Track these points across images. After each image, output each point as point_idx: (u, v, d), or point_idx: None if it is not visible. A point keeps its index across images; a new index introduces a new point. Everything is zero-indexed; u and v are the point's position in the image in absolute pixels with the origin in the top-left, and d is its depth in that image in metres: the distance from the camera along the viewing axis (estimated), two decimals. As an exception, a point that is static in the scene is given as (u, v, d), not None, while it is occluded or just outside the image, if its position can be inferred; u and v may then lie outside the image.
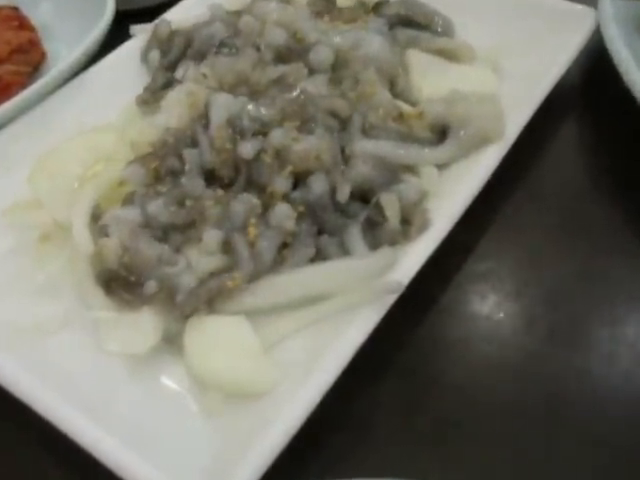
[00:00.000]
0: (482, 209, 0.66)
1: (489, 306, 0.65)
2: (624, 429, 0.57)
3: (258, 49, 0.78)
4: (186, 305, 0.58)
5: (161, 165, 0.66)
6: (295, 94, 0.70)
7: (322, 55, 0.75)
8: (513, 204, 0.73)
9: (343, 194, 0.64)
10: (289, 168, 0.64)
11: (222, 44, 0.81)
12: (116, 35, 0.88)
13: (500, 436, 0.57)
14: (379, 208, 0.64)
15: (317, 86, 0.72)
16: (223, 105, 0.68)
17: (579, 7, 0.82)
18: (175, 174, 0.66)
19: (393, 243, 0.62)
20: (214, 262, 0.61)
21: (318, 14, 0.86)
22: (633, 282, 0.66)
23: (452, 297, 0.66)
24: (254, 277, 0.60)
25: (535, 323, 0.64)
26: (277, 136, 0.65)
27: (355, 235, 0.63)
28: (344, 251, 0.63)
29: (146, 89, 0.79)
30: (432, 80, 0.77)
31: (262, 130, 0.67)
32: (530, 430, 0.57)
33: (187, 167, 0.65)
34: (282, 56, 0.77)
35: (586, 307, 0.65)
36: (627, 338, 0.63)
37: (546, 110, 0.73)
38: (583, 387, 0.60)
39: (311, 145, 0.64)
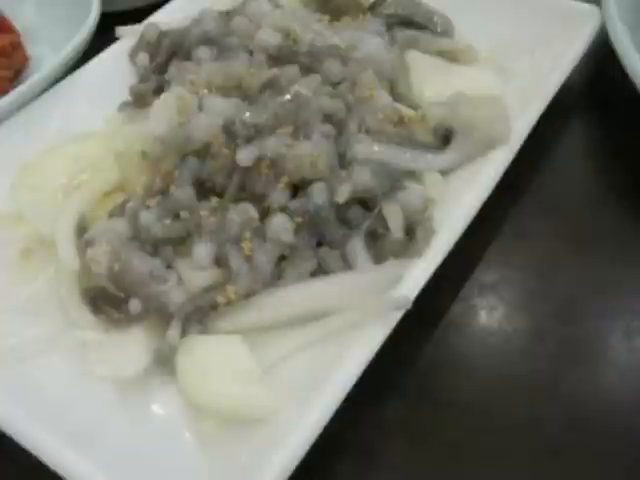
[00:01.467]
0: (488, 216, 0.63)
1: (497, 320, 0.63)
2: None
3: (250, 52, 0.75)
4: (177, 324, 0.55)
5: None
6: (287, 97, 0.66)
7: (331, 70, 0.71)
8: (521, 210, 0.71)
9: (342, 196, 0.60)
10: (285, 179, 0.61)
11: (212, 41, 0.78)
12: (102, 38, 0.85)
13: (514, 458, 0.54)
14: (382, 218, 0.61)
15: (311, 88, 0.68)
16: (217, 110, 0.65)
17: (584, 5, 0.79)
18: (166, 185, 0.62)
19: (397, 255, 0.59)
20: (206, 277, 0.57)
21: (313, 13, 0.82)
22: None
23: (459, 311, 0.63)
24: (250, 293, 0.57)
25: (545, 338, 0.61)
26: (271, 145, 0.62)
27: (358, 247, 0.60)
28: (346, 264, 0.60)
29: (132, 92, 0.76)
30: (433, 82, 0.74)
31: (256, 135, 0.63)
32: (545, 451, 0.55)
33: (179, 177, 0.62)
34: (276, 58, 0.74)
35: (599, 320, 0.62)
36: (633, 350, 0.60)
37: (552, 111, 0.70)
38: (597, 404, 0.57)
39: (306, 151, 0.61)
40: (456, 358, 0.60)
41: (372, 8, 0.82)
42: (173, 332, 0.55)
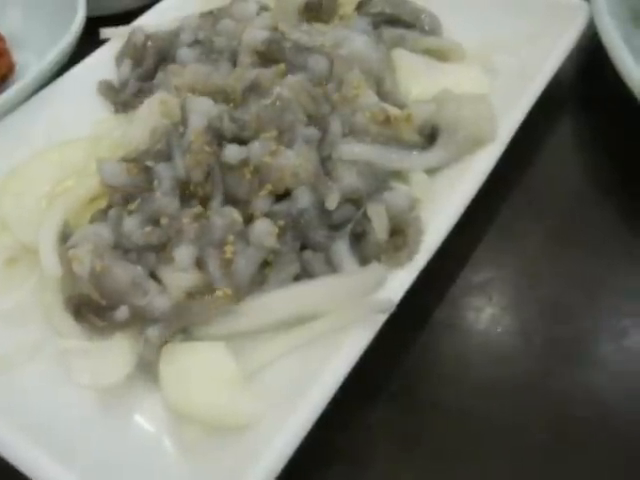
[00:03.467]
0: (475, 215, 0.62)
1: (485, 321, 0.62)
2: (630, 448, 0.54)
3: (234, 55, 0.74)
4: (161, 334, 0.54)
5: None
6: (270, 100, 0.66)
7: (317, 65, 0.71)
8: (508, 208, 0.70)
9: (332, 203, 0.60)
10: (268, 187, 0.61)
11: (198, 43, 0.78)
12: (90, 41, 0.84)
13: (503, 460, 0.54)
14: (366, 219, 0.60)
15: (294, 88, 0.67)
16: (202, 110, 0.64)
17: (572, 0, 0.78)
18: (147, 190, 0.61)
19: (380, 256, 0.59)
20: (188, 279, 0.57)
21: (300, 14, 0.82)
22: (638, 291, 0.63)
23: (446, 312, 0.63)
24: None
25: (533, 339, 0.61)
26: (256, 151, 0.61)
27: (343, 249, 0.59)
28: (331, 266, 0.59)
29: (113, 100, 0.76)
30: (420, 81, 0.73)
31: (242, 134, 0.64)
32: (532, 453, 0.54)
33: (159, 182, 0.61)
34: (263, 55, 0.73)
35: (588, 319, 0.62)
36: (632, 352, 0.59)
37: (540, 107, 0.70)
38: (586, 405, 0.57)
39: (288, 161, 0.61)
40: (444, 359, 0.60)
41: (359, 7, 0.81)
42: (154, 334, 0.54)
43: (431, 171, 0.65)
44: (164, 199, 0.60)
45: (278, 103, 0.65)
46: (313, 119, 0.66)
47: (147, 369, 0.54)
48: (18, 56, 0.89)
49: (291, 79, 0.68)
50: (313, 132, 0.64)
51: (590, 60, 0.79)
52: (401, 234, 0.60)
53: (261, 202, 0.60)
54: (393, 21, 0.79)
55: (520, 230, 0.68)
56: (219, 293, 0.55)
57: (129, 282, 0.56)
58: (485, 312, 0.62)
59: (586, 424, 0.55)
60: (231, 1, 0.86)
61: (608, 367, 0.58)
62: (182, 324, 0.55)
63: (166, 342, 0.55)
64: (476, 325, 0.62)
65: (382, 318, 0.54)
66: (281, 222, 0.59)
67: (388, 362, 0.59)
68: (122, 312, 0.55)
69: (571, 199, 0.71)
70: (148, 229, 0.59)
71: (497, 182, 0.64)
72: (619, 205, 0.70)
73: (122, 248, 0.59)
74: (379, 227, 0.59)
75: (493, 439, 0.55)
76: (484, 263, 0.66)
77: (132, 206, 0.61)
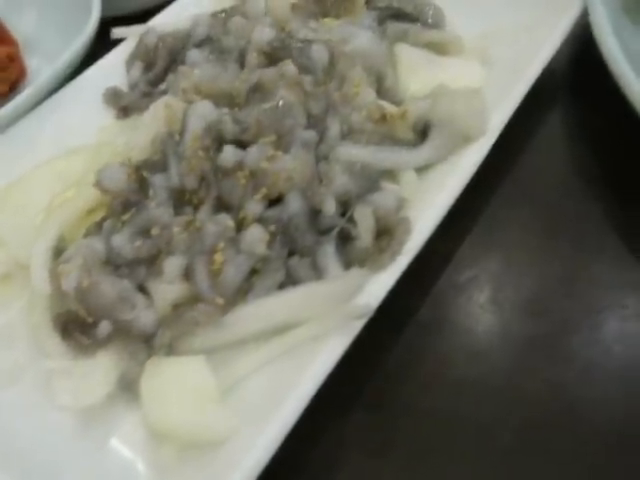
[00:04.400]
0: (464, 208, 0.62)
1: (469, 320, 0.62)
2: (603, 444, 0.54)
3: (243, 55, 0.73)
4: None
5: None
6: (271, 105, 0.65)
7: (317, 54, 0.70)
8: (498, 201, 0.70)
9: (329, 208, 0.60)
10: (263, 191, 0.60)
11: (208, 43, 0.79)
12: (102, 44, 0.84)
13: (480, 460, 0.54)
14: (352, 223, 0.60)
15: (294, 88, 0.66)
16: (201, 113, 0.64)
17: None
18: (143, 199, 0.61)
19: (366, 260, 0.59)
20: (174, 291, 0.57)
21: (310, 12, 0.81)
22: (617, 287, 0.62)
23: (430, 311, 0.63)
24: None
25: (515, 336, 0.60)
26: (253, 156, 0.61)
27: (329, 253, 0.59)
28: (317, 271, 0.59)
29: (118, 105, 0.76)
30: (419, 75, 0.73)
31: (239, 142, 0.63)
32: (509, 453, 0.54)
33: (154, 193, 0.61)
34: (270, 55, 0.72)
35: (568, 316, 0.61)
36: (608, 348, 0.58)
37: (533, 98, 0.68)
38: (562, 403, 0.56)
39: (285, 166, 0.60)
40: (422, 360, 0.60)
41: (368, 2, 0.81)
42: (138, 348, 0.55)
43: (421, 168, 0.65)
44: (157, 210, 0.60)
45: (279, 106, 0.64)
46: (312, 120, 0.65)
47: (129, 386, 0.55)
48: (31, 60, 0.89)
49: (290, 74, 0.67)
50: (311, 135, 0.64)
51: (585, 51, 0.77)
52: (387, 235, 0.60)
53: (255, 206, 0.60)
54: (399, 15, 0.79)
55: (504, 226, 0.68)
56: (205, 305, 0.55)
57: (115, 297, 0.56)
58: (469, 311, 0.62)
59: (560, 424, 0.55)
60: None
61: (581, 363, 0.58)
62: (167, 337, 0.55)
63: (150, 357, 0.55)
64: (458, 325, 0.61)
65: (360, 324, 0.54)
66: (272, 228, 0.59)
67: (368, 364, 0.59)
68: (104, 327, 0.56)
69: (560, 191, 0.69)
70: (138, 243, 0.59)
71: (486, 174, 0.64)
72: (609, 198, 0.68)
73: (112, 262, 0.59)
74: (365, 231, 0.59)
75: (469, 436, 0.55)
76: (468, 261, 0.65)
77: (126, 217, 0.60)
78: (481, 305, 0.62)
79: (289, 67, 0.67)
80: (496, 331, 0.60)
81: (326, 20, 0.81)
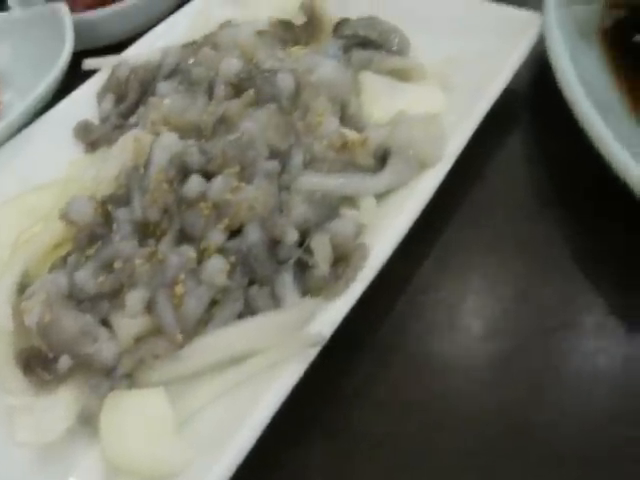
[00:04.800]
0: (420, 236, 0.63)
1: (425, 343, 0.62)
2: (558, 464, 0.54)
3: (212, 86, 0.74)
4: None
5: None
6: (236, 136, 0.66)
7: (283, 83, 0.71)
8: (454, 227, 0.70)
9: (289, 239, 0.61)
10: (225, 221, 0.61)
11: (177, 75, 0.80)
12: (75, 77, 0.85)
13: None
14: (310, 252, 0.61)
15: (261, 121, 0.67)
16: (166, 145, 0.65)
17: (524, 13, 0.78)
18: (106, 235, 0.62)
19: (322, 288, 0.59)
20: (136, 325, 0.58)
21: (279, 40, 0.82)
22: (571, 308, 0.62)
23: (387, 336, 0.63)
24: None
25: (473, 357, 0.61)
26: (218, 187, 0.62)
27: (287, 282, 0.60)
28: (275, 300, 0.60)
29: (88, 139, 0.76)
30: (382, 103, 0.74)
31: (205, 173, 0.64)
32: (466, 471, 0.54)
33: (117, 227, 0.62)
34: (237, 88, 0.74)
35: (523, 336, 0.61)
36: (561, 368, 0.59)
37: (492, 121, 0.69)
38: (516, 422, 0.56)
39: (248, 197, 0.61)
40: (379, 389, 0.59)
41: (335, 29, 0.83)
42: (99, 382, 0.55)
43: (381, 194, 0.66)
44: (121, 244, 0.61)
45: (243, 138, 0.65)
46: (275, 151, 0.66)
47: (89, 421, 0.55)
48: (4, 95, 0.90)
49: (258, 112, 0.68)
50: (274, 165, 0.65)
51: (544, 72, 0.75)
52: (344, 262, 0.60)
53: (217, 237, 0.61)
54: (364, 43, 0.80)
55: (464, 246, 0.68)
56: (165, 339, 0.56)
57: (77, 331, 0.57)
58: (426, 333, 0.62)
59: (514, 445, 0.55)
60: (218, 27, 0.86)
61: (531, 382, 0.58)
62: (127, 369, 0.56)
63: (111, 390, 0.56)
64: (415, 348, 0.61)
65: (314, 352, 0.54)
66: (232, 258, 0.60)
67: (326, 390, 0.59)
68: (64, 362, 0.56)
69: (518, 213, 0.70)
70: (101, 278, 0.59)
71: (445, 197, 0.65)
72: (562, 220, 0.69)
73: (77, 297, 0.59)
74: (321, 260, 0.60)
75: (427, 464, 0.55)
76: (427, 283, 0.66)
77: (90, 251, 0.61)
78: (438, 327, 0.62)
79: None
80: (453, 353, 0.61)
81: (294, 49, 0.82)
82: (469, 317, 0.63)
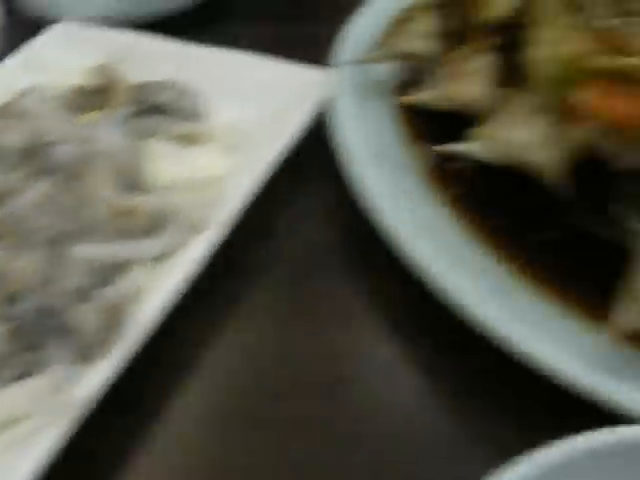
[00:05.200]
0: (199, 296, 0.65)
1: (197, 425, 0.62)
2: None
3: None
4: None
5: None
6: (15, 206, 0.68)
7: (62, 155, 0.73)
8: (234, 285, 0.71)
9: (60, 307, 0.62)
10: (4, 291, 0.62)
11: None
12: None
13: None
14: (78, 319, 0.62)
15: (39, 192, 0.70)
16: None
17: (314, 72, 0.81)
18: None
19: (89, 353, 0.60)
20: None
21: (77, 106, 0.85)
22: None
23: (153, 398, 0.63)
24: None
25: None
26: None
27: (55, 349, 0.61)
28: (43, 367, 0.60)
29: None
30: (166, 169, 0.76)
31: None
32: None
33: None
34: (23, 156, 0.75)
35: (312, 385, 0.63)
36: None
37: (280, 182, 0.72)
38: None
39: (22, 265, 0.63)
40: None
41: (131, 94, 0.85)
42: None
43: (157, 257, 0.68)
44: None
45: (19, 211, 0.68)
46: (52, 222, 0.68)
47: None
48: None
49: (38, 184, 0.70)
50: (50, 234, 0.67)
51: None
52: (114, 327, 0.62)
53: None
54: (154, 109, 0.82)
55: (247, 304, 0.70)
56: None
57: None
58: (192, 412, 0.63)
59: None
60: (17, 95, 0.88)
61: None
62: None
63: None
64: (182, 432, 0.61)
65: (76, 417, 0.54)
66: (8, 325, 0.61)
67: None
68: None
69: (304, 271, 0.72)
70: None
71: (227, 257, 0.67)
72: (351, 276, 0.71)
73: None
74: (87, 327, 0.61)
75: None
76: (201, 343, 0.67)
77: None
78: (207, 389, 0.64)
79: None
80: (223, 415, 0.62)
81: (90, 115, 0.85)
82: (242, 377, 0.64)
